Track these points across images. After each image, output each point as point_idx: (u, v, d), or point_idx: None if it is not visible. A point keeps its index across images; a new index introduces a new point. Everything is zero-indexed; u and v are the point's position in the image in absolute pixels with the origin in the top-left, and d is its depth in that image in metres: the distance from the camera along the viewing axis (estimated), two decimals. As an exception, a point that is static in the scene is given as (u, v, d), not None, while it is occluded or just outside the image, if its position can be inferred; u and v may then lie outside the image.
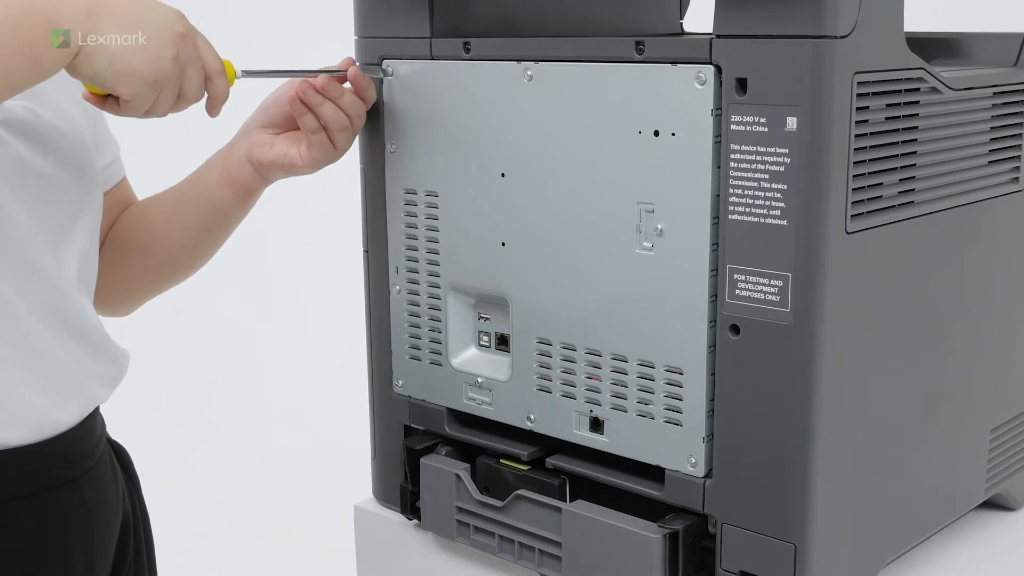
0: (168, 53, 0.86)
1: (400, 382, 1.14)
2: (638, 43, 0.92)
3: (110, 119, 1.01)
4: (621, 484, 0.99)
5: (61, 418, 0.97)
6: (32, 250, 0.94)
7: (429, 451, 1.11)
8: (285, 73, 1.04)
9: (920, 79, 0.92)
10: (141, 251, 1.14)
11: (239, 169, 1.10)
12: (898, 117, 0.90)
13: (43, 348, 0.95)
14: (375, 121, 1.10)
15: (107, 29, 0.83)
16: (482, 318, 1.08)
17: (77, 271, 0.99)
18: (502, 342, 1.07)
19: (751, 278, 0.88)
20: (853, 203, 0.87)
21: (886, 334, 0.94)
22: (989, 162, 1.04)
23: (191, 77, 0.90)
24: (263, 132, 1.09)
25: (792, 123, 0.84)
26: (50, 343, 0.96)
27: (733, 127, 0.87)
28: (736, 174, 0.87)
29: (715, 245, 0.90)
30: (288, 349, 3.39)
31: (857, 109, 0.85)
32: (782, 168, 0.85)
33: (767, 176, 0.86)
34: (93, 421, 1.03)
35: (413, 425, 1.14)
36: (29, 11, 0.80)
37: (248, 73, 0.98)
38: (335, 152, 1.06)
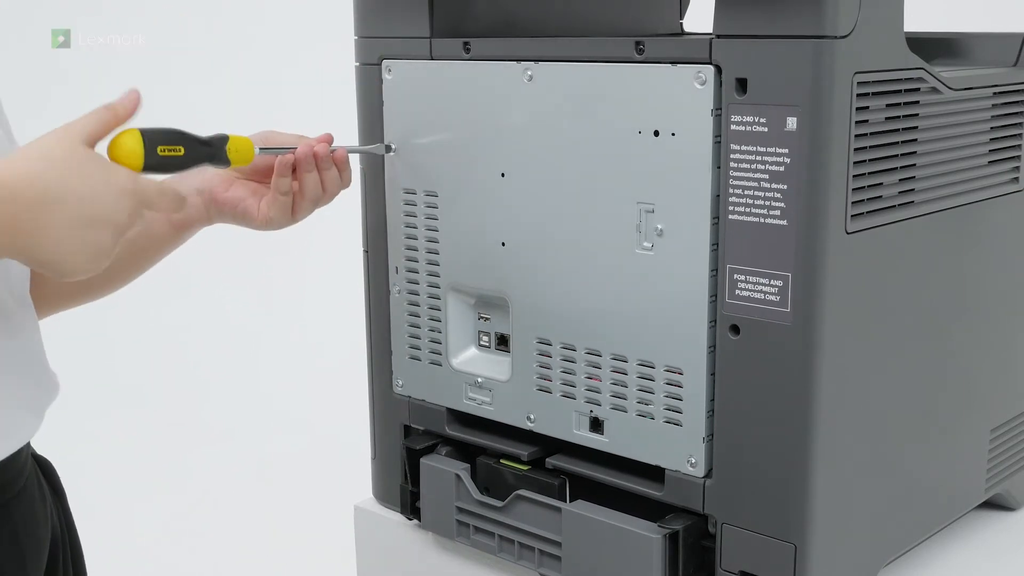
0: (107, 254, 0.81)
1: (400, 382, 1.14)
2: (638, 43, 0.92)
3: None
4: (621, 484, 0.98)
5: None
6: None
7: (429, 451, 1.11)
8: (287, 150, 1.00)
9: (920, 79, 0.92)
10: None
11: (189, 209, 1.03)
12: (898, 117, 0.90)
13: None
14: (375, 121, 1.10)
15: (43, 243, 0.77)
16: (482, 318, 1.08)
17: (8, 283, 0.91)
18: (502, 342, 1.07)
19: (751, 278, 0.88)
20: (853, 203, 0.87)
21: (886, 334, 0.94)
22: (989, 162, 1.04)
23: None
24: (225, 172, 1.04)
25: (792, 123, 0.84)
26: None
27: (733, 127, 0.87)
28: (736, 174, 0.87)
29: (715, 245, 0.90)
30: (288, 349, 3.39)
31: (857, 109, 0.85)
32: (782, 168, 0.85)
33: (767, 176, 0.86)
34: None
35: (413, 425, 1.14)
36: None
37: (265, 150, 0.98)
38: (290, 219, 1.04)
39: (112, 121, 0.85)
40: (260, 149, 0.97)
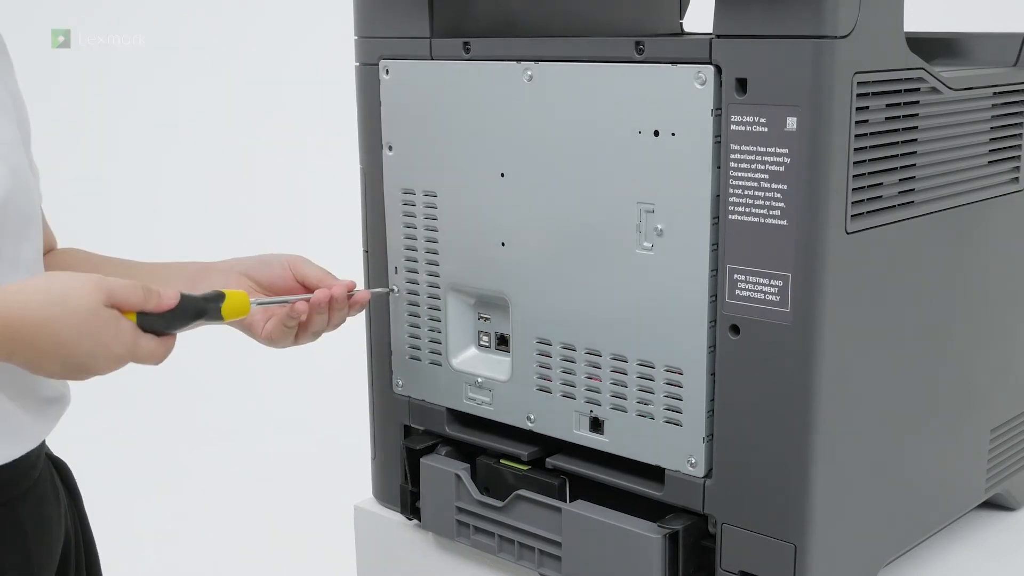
0: (92, 376, 0.87)
1: (400, 382, 1.14)
2: (638, 43, 0.92)
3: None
4: (621, 484, 0.98)
5: None
6: None
7: (429, 451, 1.11)
8: (291, 300, 1.01)
9: (920, 79, 0.92)
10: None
11: None
12: (898, 117, 0.90)
13: None
14: (374, 121, 1.10)
15: (33, 369, 0.86)
16: (482, 318, 1.08)
17: None
18: (502, 342, 1.07)
19: (751, 278, 0.88)
20: (853, 203, 0.87)
21: (886, 334, 0.94)
22: (989, 162, 1.04)
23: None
24: (245, 280, 1.05)
25: (792, 123, 0.84)
26: None
27: (733, 127, 0.87)
28: (736, 174, 0.87)
29: (715, 245, 0.90)
30: (288, 349, 3.39)
31: (857, 109, 0.85)
32: (782, 168, 0.85)
33: (767, 176, 0.86)
34: None
35: (413, 425, 1.14)
36: None
37: (261, 303, 0.98)
38: (291, 343, 1.04)
39: (146, 306, 0.89)
40: (256, 303, 0.97)
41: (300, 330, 1.03)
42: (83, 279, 0.86)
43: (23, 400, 0.95)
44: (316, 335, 1.04)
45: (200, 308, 0.93)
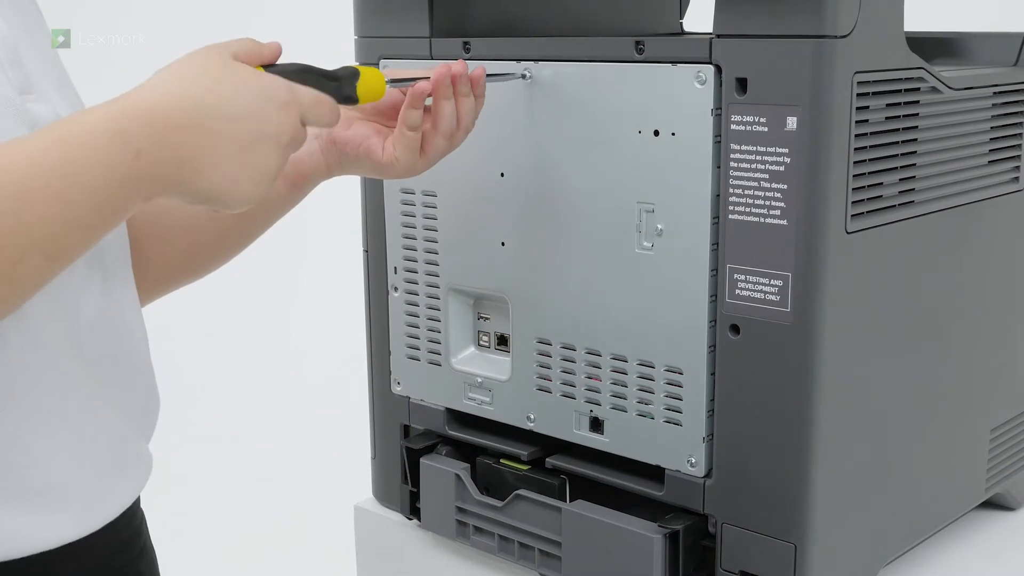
0: (270, 176, 0.74)
1: (399, 382, 1.14)
2: (638, 43, 0.92)
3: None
4: (621, 484, 0.98)
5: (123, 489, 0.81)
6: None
7: (429, 451, 1.11)
8: (422, 79, 0.90)
9: (920, 79, 0.92)
10: (163, 242, 0.95)
11: (302, 163, 0.94)
12: (898, 117, 0.90)
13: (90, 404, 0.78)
14: (375, 121, 1.10)
15: (207, 170, 0.71)
16: (482, 318, 1.08)
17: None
18: (502, 342, 1.07)
19: (751, 278, 0.88)
20: (853, 203, 0.87)
21: (886, 334, 0.94)
22: (989, 162, 1.04)
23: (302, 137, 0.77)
24: (344, 112, 0.91)
25: (792, 123, 0.84)
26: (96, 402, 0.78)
27: (733, 127, 0.87)
28: (736, 174, 0.87)
29: (715, 245, 0.90)
30: (288, 349, 3.39)
31: (857, 109, 0.85)
32: (782, 168, 0.85)
33: (767, 176, 0.86)
34: None
35: (413, 425, 1.14)
36: (125, 183, 0.68)
37: (395, 83, 0.88)
38: (419, 161, 0.92)
39: (256, 54, 0.78)
40: (390, 82, 0.86)
41: (427, 138, 0.91)
42: (195, 52, 0.74)
43: (144, 432, 0.84)
44: (445, 140, 0.92)
45: (332, 86, 0.81)
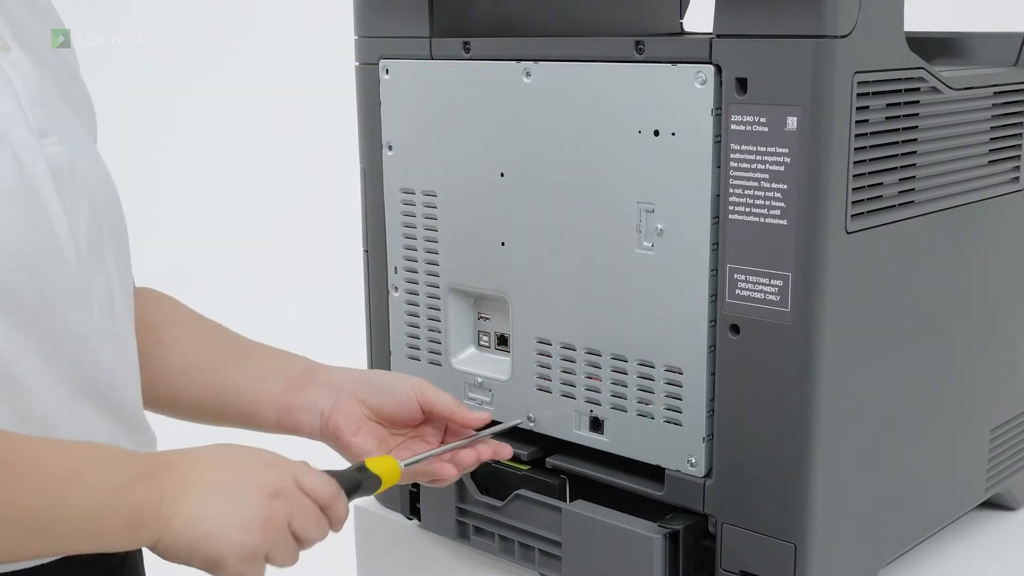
0: (256, 525, 0.78)
1: (400, 382, 1.14)
2: (638, 43, 0.92)
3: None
4: (621, 484, 0.98)
5: None
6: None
7: (429, 451, 1.11)
8: (435, 454, 0.94)
9: (920, 79, 0.92)
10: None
11: (301, 417, 0.98)
12: (898, 117, 0.90)
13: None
14: (374, 121, 1.10)
15: (187, 511, 0.76)
16: (482, 318, 1.08)
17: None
18: (502, 342, 1.07)
19: (751, 278, 0.88)
20: (853, 203, 0.87)
21: (886, 334, 0.94)
22: (989, 162, 1.04)
23: (300, 527, 0.80)
24: (359, 407, 0.96)
25: (792, 123, 0.84)
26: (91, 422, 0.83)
27: (733, 127, 0.87)
28: (736, 174, 0.87)
29: (715, 245, 0.90)
30: (287, 349, 3.39)
31: (857, 109, 0.85)
32: (782, 168, 0.85)
33: (767, 176, 0.86)
34: None
35: (413, 425, 1.14)
36: (118, 508, 0.74)
37: (411, 463, 0.90)
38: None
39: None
40: (405, 465, 0.89)
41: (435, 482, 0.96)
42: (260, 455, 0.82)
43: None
44: (458, 471, 0.96)
45: (354, 481, 0.86)
